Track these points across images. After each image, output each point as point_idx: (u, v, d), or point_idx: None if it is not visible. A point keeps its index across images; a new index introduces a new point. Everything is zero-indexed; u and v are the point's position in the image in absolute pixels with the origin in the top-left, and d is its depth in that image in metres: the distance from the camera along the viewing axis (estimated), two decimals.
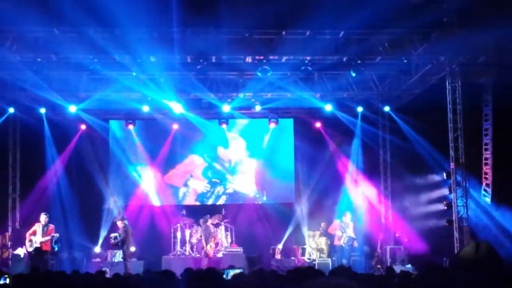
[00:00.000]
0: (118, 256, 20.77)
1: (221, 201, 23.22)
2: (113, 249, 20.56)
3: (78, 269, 17.07)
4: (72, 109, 21.03)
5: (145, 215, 22.44)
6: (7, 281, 8.06)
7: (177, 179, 23.11)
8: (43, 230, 19.15)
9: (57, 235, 19.35)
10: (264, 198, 23.21)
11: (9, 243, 21.32)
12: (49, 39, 16.65)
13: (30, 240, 19.16)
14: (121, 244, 19.60)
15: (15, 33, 16.44)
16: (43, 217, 19.24)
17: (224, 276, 9.88)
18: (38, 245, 19.11)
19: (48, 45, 16.77)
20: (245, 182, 23.32)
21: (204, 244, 20.75)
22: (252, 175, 23.32)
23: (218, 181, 23.33)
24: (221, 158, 23.38)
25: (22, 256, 20.01)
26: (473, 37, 16.25)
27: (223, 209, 22.59)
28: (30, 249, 19.21)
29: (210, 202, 23.23)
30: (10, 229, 21.86)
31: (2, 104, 20.95)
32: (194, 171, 23.31)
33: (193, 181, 23.25)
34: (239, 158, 23.42)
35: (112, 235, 19.96)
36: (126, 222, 19.94)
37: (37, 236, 19.08)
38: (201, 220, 21.29)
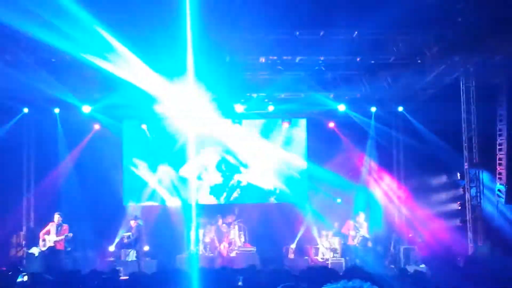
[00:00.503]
0: (132, 255, 20.85)
1: (235, 195, 23.19)
2: (127, 248, 20.64)
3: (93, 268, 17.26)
4: (86, 109, 21.14)
5: (159, 214, 22.52)
6: (24, 278, 8.14)
7: (191, 172, 23.13)
8: (57, 229, 19.30)
9: (70, 235, 19.49)
10: (277, 192, 23.19)
11: (23, 242, 21.44)
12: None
13: (44, 240, 19.30)
14: (134, 244, 19.72)
15: (30, 33, 16.49)
16: (56, 217, 19.40)
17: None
18: (52, 244, 19.25)
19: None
20: (259, 177, 23.30)
21: (217, 244, 20.85)
22: (266, 172, 23.32)
23: (231, 174, 23.33)
24: (234, 153, 23.36)
25: (36, 255, 20.12)
26: (487, 37, 16.20)
27: (236, 209, 22.66)
28: (44, 249, 19.36)
29: (223, 196, 23.22)
30: (24, 228, 21.99)
31: (16, 104, 21.06)
32: (208, 164, 23.33)
33: (206, 174, 23.28)
34: (253, 156, 23.39)
35: (125, 234, 20.08)
36: (140, 222, 20.06)
37: (51, 235, 19.23)
38: (213, 221, 21.43)
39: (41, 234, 19.59)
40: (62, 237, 19.41)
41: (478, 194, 18.00)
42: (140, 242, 20.02)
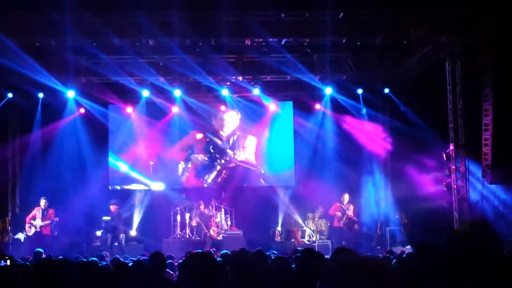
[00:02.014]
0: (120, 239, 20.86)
1: (222, 178, 23.14)
2: (106, 232, 20.66)
3: (78, 254, 17.24)
4: (71, 94, 21.07)
5: (145, 198, 22.48)
6: (8, 263, 8.04)
7: (178, 154, 23.08)
8: (43, 214, 19.25)
9: (56, 219, 19.44)
10: (264, 174, 23.17)
11: (9, 228, 21.34)
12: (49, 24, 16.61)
13: (30, 224, 19.23)
14: (112, 229, 19.73)
15: (15, 17, 16.38)
16: (42, 202, 19.34)
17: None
18: (38, 229, 19.19)
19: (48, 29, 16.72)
20: (245, 160, 23.26)
21: (205, 229, 20.85)
22: (253, 154, 23.28)
23: (218, 156, 23.26)
24: (221, 136, 23.29)
25: (22, 240, 20.07)
26: (473, 17, 16.20)
27: (223, 192, 22.65)
28: (30, 233, 19.29)
29: (210, 179, 23.16)
30: (10, 213, 21.89)
31: (1, 89, 20.90)
32: (195, 146, 23.27)
33: (194, 156, 23.20)
34: (239, 137, 23.33)
35: (104, 218, 20.03)
36: (118, 207, 20.06)
37: (37, 220, 19.16)
38: (200, 205, 21.44)
39: (27, 219, 19.52)
40: (48, 221, 19.36)
41: (464, 174, 18.05)
42: (119, 227, 20.00)
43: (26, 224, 19.45)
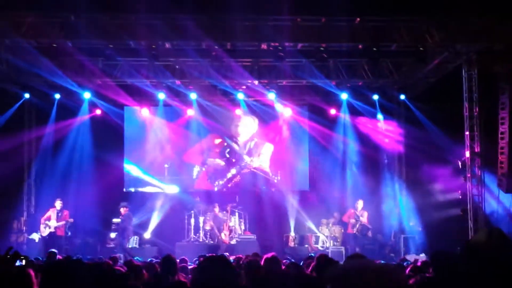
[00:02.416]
0: (132, 242, 20.89)
1: (236, 182, 23.13)
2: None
3: (92, 255, 17.31)
4: (87, 95, 21.20)
5: (159, 201, 22.49)
6: (23, 262, 8.06)
7: (194, 157, 23.09)
8: (57, 215, 19.34)
9: (71, 220, 19.53)
10: (278, 178, 23.14)
11: (24, 228, 21.43)
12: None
13: (45, 225, 19.33)
14: (122, 231, 19.77)
15: (32, 19, 16.47)
16: (58, 203, 19.44)
17: None
18: (52, 230, 19.28)
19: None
20: (260, 165, 23.23)
21: (217, 232, 20.84)
22: (267, 161, 23.26)
23: (234, 161, 23.26)
24: (236, 140, 23.29)
25: (37, 241, 20.16)
26: (490, 24, 16.12)
27: (237, 196, 22.62)
28: (45, 234, 19.39)
29: (225, 183, 23.15)
30: (25, 214, 21.98)
31: (18, 90, 21.02)
32: (212, 150, 23.26)
33: (210, 160, 23.20)
34: (255, 142, 23.32)
35: (114, 220, 20.05)
36: (128, 209, 20.10)
37: (52, 221, 19.25)
38: (214, 208, 21.44)
39: (41, 219, 19.62)
40: (63, 222, 19.46)
41: (479, 182, 17.94)
42: (127, 230, 20.02)
43: (41, 225, 19.54)
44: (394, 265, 11.69)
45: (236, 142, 23.30)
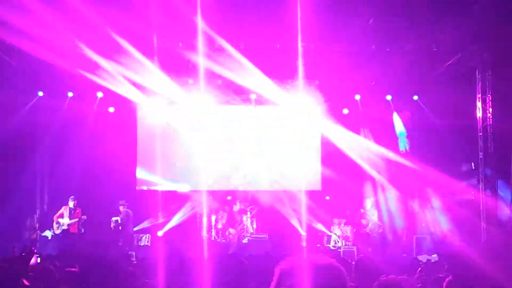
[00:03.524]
0: (144, 240, 20.98)
1: (248, 180, 23.19)
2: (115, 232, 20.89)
3: (104, 253, 17.37)
4: (100, 93, 21.34)
5: (171, 199, 22.55)
6: (38, 260, 8.13)
7: (204, 156, 23.11)
8: (70, 213, 19.42)
9: (84, 217, 19.62)
10: (291, 178, 23.17)
11: (37, 225, 21.53)
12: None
13: (58, 223, 19.42)
14: (121, 229, 19.80)
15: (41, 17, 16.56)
16: (71, 201, 19.51)
17: None
18: (65, 227, 19.38)
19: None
20: (273, 164, 23.27)
21: (229, 231, 20.91)
22: (279, 159, 23.28)
23: (245, 160, 23.33)
24: (248, 139, 23.34)
25: (49, 238, 20.26)
26: (504, 26, 16.07)
27: (249, 194, 22.65)
28: (58, 231, 19.48)
29: (236, 182, 23.23)
30: (38, 211, 22.08)
31: (32, 88, 21.12)
32: (222, 148, 23.31)
33: (220, 157, 23.24)
34: (267, 141, 23.37)
35: (114, 218, 20.10)
36: (127, 207, 20.12)
37: (65, 218, 19.34)
38: (226, 207, 21.50)
39: (54, 217, 19.71)
40: (76, 219, 19.54)
41: (492, 184, 17.90)
42: (127, 228, 20.01)
43: (54, 223, 19.63)
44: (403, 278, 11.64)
45: (246, 139, 23.32)
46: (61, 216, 19.55)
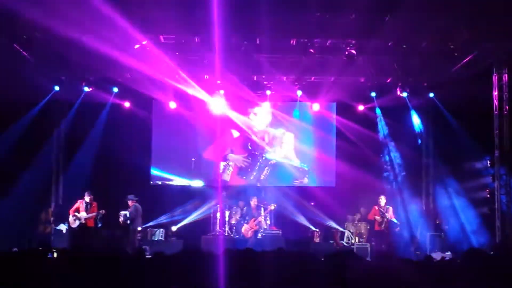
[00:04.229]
0: (158, 234, 21.04)
1: (262, 177, 23.24)
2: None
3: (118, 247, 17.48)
4: (115, 88, 21.43)
5: (186, 194, 22.62)
6: (54, 255, 8.17)
7: (216, 153, 23.18)
8: (86, 207, 19.48)
9: (103, 212, 19.70)
10: (304, 175, 23.20)
11: (51, 219, 21.62)
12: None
13: (75, 216, 19.47)
14: (130, 223, 19.80)
15: (61, 12, 16.66)
16: (87, 195, 19.57)
17: None
18: (83, 221, 19.45)
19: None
20: (286, 160, 23.30)
21: (245, 227, 20.94)
22: (293, 155, 23.31)
23: (258, 153, 23.35)
24: (262, 135, 23.37)
25: (64, 231, 20.36)
26: None
27: (263, 190, 22.68)
28: (74, 225, 19.55)
29: (250, 178, 23.27)
30: (53, 204, 22.19)
31: (48, 83, 21.21)
32: (234, 144, 23.39)
33: (232, 155, 23.32)
34: (281, 138, 23.39)
35: (122, 213, 20.13)
36: (136, 202, 20.11)
37: (82, 212, 19.41)
38: (241, 202, 21.54)
39: (70, 211, 19.77)
40: (94, 213, 19.62)
41: (508, 181, 17.81)
42: (135, 222, 19.99)
43: (70, 216, 19.67)
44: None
45: (256, 135, 23.35)
46: (77, 210, 19.61)
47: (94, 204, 19.67)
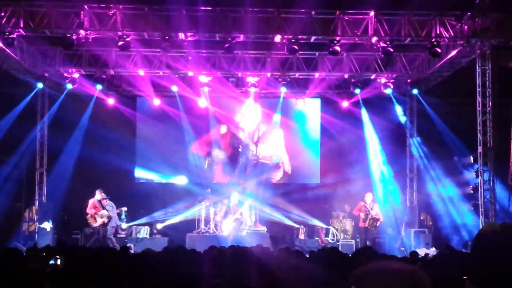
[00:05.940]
0: (143, 232, 20.97)
1: (247, 174, 23.21)
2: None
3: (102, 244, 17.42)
4: (99, 86, 21.26)
5: (170, 192, 22.58)
6: (58, 262, 7.98)
7: (203, 148, 23.16)
8: (102, 205, 19.46)
9: (125, 208, 19.68)
10: (289, 171, 23.24)
11: (35, 217, 21.51)
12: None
13: (96, 216, 19.36)
14: (108, 221, 19.72)
15: (45, 8, 16.63)
16: (98, 193, 19.47)
17: None
18: (106, 220, 19.38)
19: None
20: (271, 156, 23.32)
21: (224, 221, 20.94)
22: (278, 151, 23.34)
23: (244, 151, 23.36)
24: (247, 131, 23.38)
25: (48, 230, 20.26)
26: (505, 20, 16.07)
27: (248, 187, 22.65)
28: (97, 224, 19.45)
29: (235, 175, 23.26)
30: (37, 203, 22.03)
31: (32, 80, 21.10)
32: (221, 141, 23.37)
33: (219, 151, 23.30)
34: (265, 133, 23.41)
35: (123, 209, 20.09)
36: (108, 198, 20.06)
37: (102, 211, 19.32)
38: (226, 200, 21.52)
39: (88, 211, 19.51)
40: (117, 210, 19.68)
41: (491, 177, 17.88)
42: (113, 219, 19.90)
43: (89, 216, 19.47)
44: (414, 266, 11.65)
45: (243, 132, 23.37)
46: (96, 209, 19.45)
47: (106, 201, 19.61)
